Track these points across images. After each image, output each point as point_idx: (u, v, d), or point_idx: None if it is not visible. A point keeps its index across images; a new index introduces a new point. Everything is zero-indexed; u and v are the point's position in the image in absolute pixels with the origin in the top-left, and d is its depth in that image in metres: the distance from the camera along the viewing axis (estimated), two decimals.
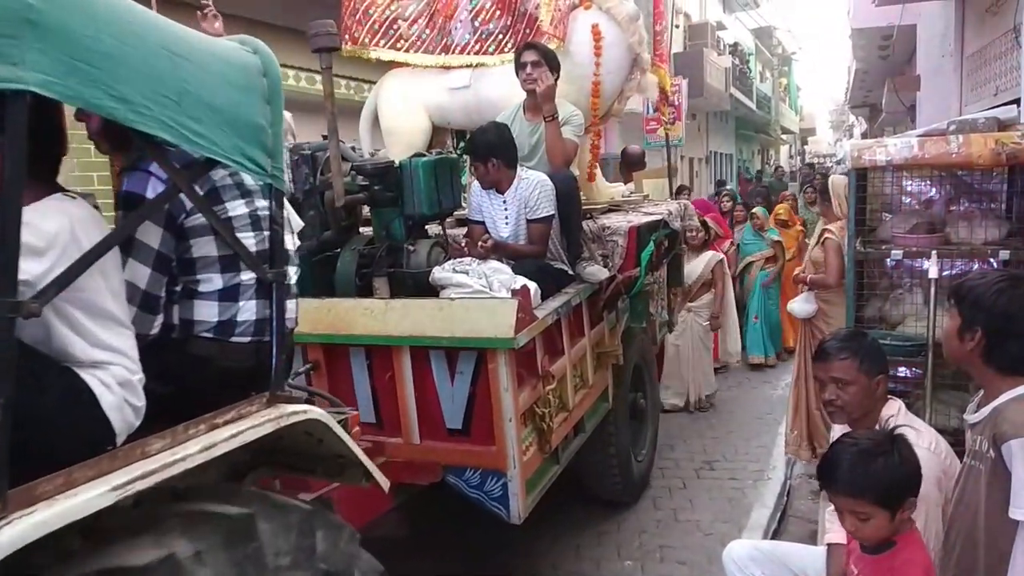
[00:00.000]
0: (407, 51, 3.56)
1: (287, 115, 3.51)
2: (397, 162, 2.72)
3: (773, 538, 3.03)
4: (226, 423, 1.21)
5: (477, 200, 2.90)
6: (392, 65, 3.66)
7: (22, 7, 0.87)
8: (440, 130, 3.73)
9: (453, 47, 3.50)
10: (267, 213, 1.36)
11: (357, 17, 3.51)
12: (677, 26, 14.04)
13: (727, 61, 16.94)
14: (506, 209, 2.81)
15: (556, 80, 2.93)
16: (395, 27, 3.54)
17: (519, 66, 2.97)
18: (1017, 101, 4.65)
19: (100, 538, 0.98)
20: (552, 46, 3.11)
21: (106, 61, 1.00)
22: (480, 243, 2.67)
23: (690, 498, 3.57)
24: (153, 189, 1.24)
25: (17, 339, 0.90)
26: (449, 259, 2.64)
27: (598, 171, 3.73)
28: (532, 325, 2.31)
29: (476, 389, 2.28)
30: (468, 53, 3.47)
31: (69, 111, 1.23)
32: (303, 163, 2.70)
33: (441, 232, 3.00)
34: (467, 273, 2.47)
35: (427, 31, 3.53)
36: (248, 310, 1.36)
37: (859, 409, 1.82)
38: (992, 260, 2.41)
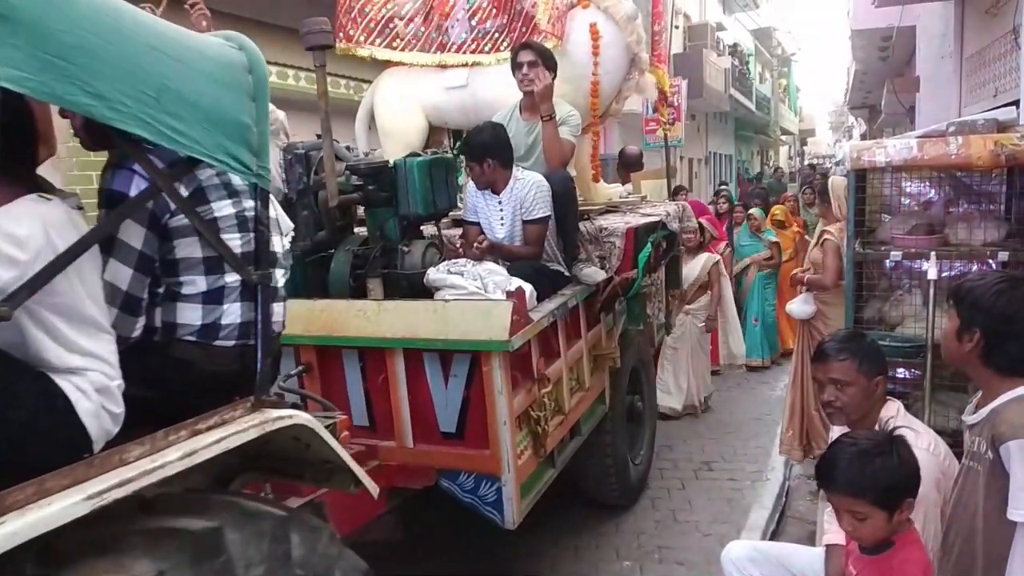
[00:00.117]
0: (403, 50, 3.53)
1: (281, 114, 3.50)
2: (392, 162, 2.69)
3: (771, 539, 3.04)
4: (208, 429, 1.18)
5: (473, 201, 2.88)
6: (389, 64, 3.63)
7: None
8: (437, 130, 3.71)
9: (450, 46, 3.47)
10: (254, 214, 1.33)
11: (352, 15, 3.47)
12: (677, 27, 14.03)
13: (726, 62, 16.93)
14: (502, 210, 2.78)
15: (553, 79, 2.90)
16: (391, 26, 3.51)
17: (515, 66, 2.94)
18: (1016, 103, 4.63)
19: (57, 560, 0.94)
20: (550, 45, 3.09)
21: (82, 56, 0.97)
22: (475, 244, 2.64)
23: (689, 499, 3.57)
24: (137, 188, 1.20)
25: None
26: (444, 260, 2.61)
27: (590, 172, 3.69)
28: (527, 327, 2.28)
29: (470, 392, 2.25)
30: (465, 52, 3.45)
31: (56, 110, 1.20)
32: (297, 163, 2.67)
33: (436, 233, 2.97)
34: (462, 274, 2.44)
35: (423, 30, 3.50)
36: (232, 313, 1.32)
37: (858, 410, 1.82)
38: (991, 261, 2.41)
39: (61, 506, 0.93)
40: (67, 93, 0.94)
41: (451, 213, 3.09)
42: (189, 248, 1.27)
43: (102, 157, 1.34)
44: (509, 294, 2.30)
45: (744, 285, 5.92)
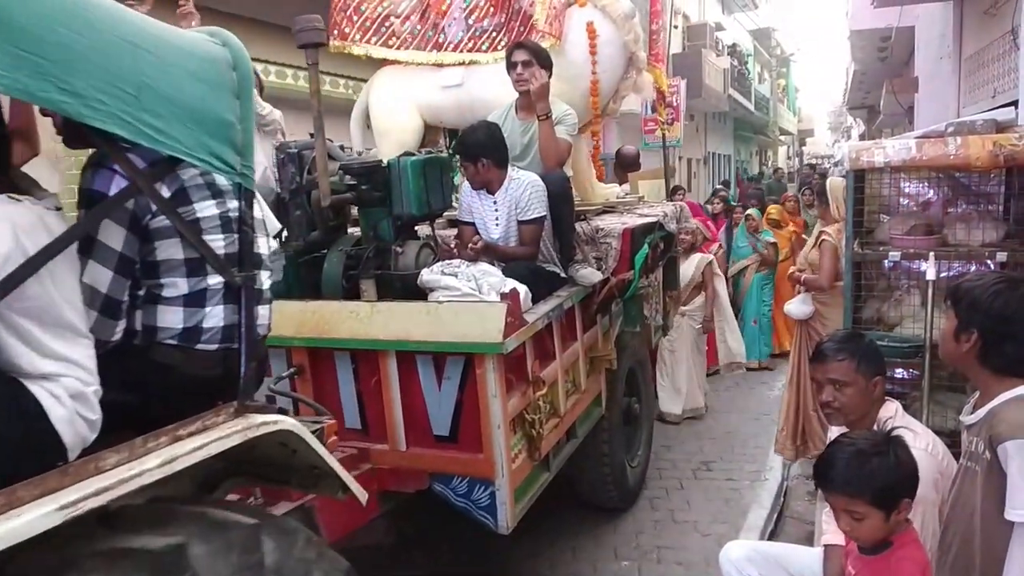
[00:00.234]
0: (399, 48, 3.50)
1: (277, 113, 3.48)
2: (385, 161, 2.66)
3: (770, 539, 3.05)
4: (190, 435, 1.15)
5: (467, 201, 2.85)
6: (385, 62, 3.60)
7: None
8: (432, 129, 3.68)
9: (446, 44, 3.44)
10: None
11: (348, 13, 3.44)
12: (676, 27, 14.01)
13: (725, 62, 16.92)
14: (497, 210, 2.75)
15: (549, 78, 2.87)
16: (387, 24, 3.48)
17: (510, 66, 2.91)
18: (1015, 103, 4.62)
19: None
20: (547, 44, 3.06)
21: (57, 52, 0.94)
22: (470, 245, 2.61)
23: (687, 499, 3.58)
24: (117, 187, 1.17)
25: None
26: (438, 261, 2.58)
27: (593, 172, 3.67)
28: (522, 330, 2.25)
29: (464, 395, 2.22)
30: (461, 51, 3.42)
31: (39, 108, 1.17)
32: (289, 162, 2.64)
33: (431, 233, 2.94)
34: (456, 275, 2.41)
35: (420, 28, 3.47)
36: (215, 316, 1.29)
37: (856, 410, 1.83)
38: (989, 262, 2.41)
39: (31, 517, 0.90)
40: (39, 90, 0.90)
41: (446, 213, 3.06)
42: (170, 249, 1.24)
43: None
44: (503, 296, 2.28)
45: (742, 287, 5.90)
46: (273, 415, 1.29)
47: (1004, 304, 1.48)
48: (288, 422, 1.30)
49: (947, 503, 1.62)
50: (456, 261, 2.53)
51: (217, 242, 1.28)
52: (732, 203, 6.93)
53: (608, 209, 3.63)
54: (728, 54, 17.78)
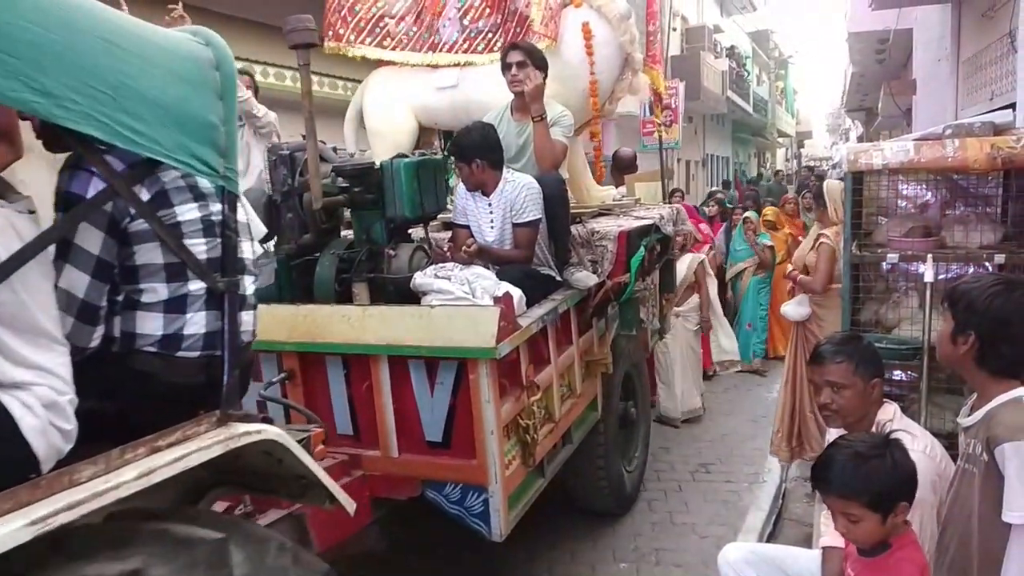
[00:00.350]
0: (394, 49, 3.47)
1: (272, 116, 3.45)
2: (378, 163, 2.63)
3: (768, 541, 3.04)
4: (169, 445, 1.12)
5: (462, 203, 2.82)
6: (379, 64, 3.57)
7: None
8: (427, 131, 3.65)
9: (441, 45, 3.42)
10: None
11: (342, 14, 3.42)
12: (674, 29, 14.03)
13: (724, 64, 16.94)
14: (491, 212, 2.72)
15: (544, 79, 2.85)
16: (382, 24, 3.46)
17: (505, 66, 2.89)
18: (1013, 105, 4.62)
19: None
20: (543, 45, 3.03)
21: (27, 50, 0.90)
22: (463, 248, 2.58)
23: (685, 501, 3.57)
24: (95, 190, 1.13)
25: None
26: (431, 264, 2.55)
27: (589, 174, 3.64)
28: (515, 334, 2.22)
29: (457, 400, 2.19)
30: (456, 52, 3.39)
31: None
32: (281, 164, 2.62)
33: (425, 236, 2.91)
34: (449, 279, 2.39)
35: (414, 29, 3.45)
36: (196, 323, 1.25)
37: (854, 413, 1.83)
38: (987, 264, 2.41)
39: (1, 532, 0.87)
40: (8, 89, 0.87)
41: (440, 216, 3.03)
42: (150, 254, 1.20)
43: None
44: (496, 299, 2.25)
45: (739, 290, 5.88)
46: (257, 425, 1.25)
47: (1001, 306, 1.48)
48: (272, 432, 1.26)
49: (945, 505, 1.62)
50: (449, 264, 2.50)
51: (199, 246, 1.24)
52: (729, 205, 6.91)
53: (604, 211, 3.60)
54: (726, 56, 17.80)
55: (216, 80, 1.22)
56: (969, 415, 1.57)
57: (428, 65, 3.44)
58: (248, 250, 1.39)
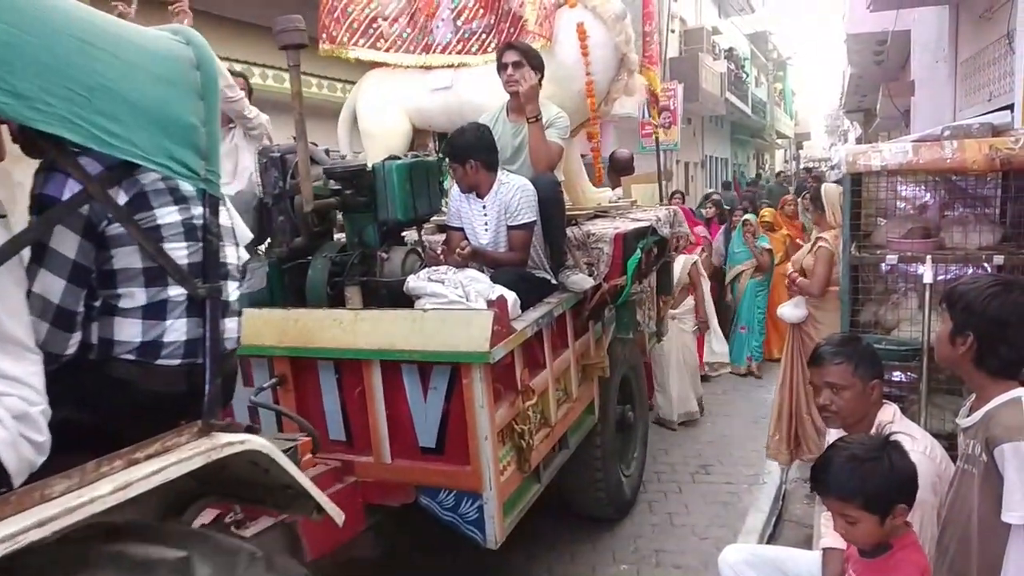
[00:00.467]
0: (388, 50, 3.45)
1: (264, 117, 3.42)
2: (370, 165, 2.60)
3: (768, 542, 3.04)
4: (148, 457, 1.08)
5: (456, 205, 2.79)
6: (373, 65, 3.54)
7: None
8: (421, 132, 3.62)
9: (435, 47, 3.39)
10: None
11: (335, 16, 3.39)
12: (672, 31, 14.03)
13: (722, 66, 16.95)
14: (485, 214, 2.69)
15: (540, 80, 2.82)
16: (375, 26, 3.43)
17: (500, 67, 2.86)
18: (1011, 107, 4.62)
19: None
20: (538, 46, 3.01)
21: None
22: (457, 250, 2.55)
23: (685, 502, 3.57)
24: (70, 192, 1.10)
25: None
26: (425, 267, 2.52)
27: (585, 175, 3.62)
28: (510, 338, 2.19)
29: (450, 406, 2.16)
30: (450, 53, 3.37)
31: None
32: (272, 166, 2.58)
33: (418, 239, 2.88)
34: (443, 282, 2.35)
35: (408, 30, 3.42)
36: (177, 329, 1.22)
37: (854, 414, 1.83)
38: (986, 265, 2.41)
39: None
40: None
41: (435, 218, 3.00)
42: (128, 258, 1.17)
43: None
44: (490, 303, 2.22)
45: (737, 292, 5.86)
46: (240, 435, 1.22)
47: (999, 307, 1.49)
48: (256, 442, 1.23)
49: (944, 506, 1.62)
50: (443, 267, 2.47)
51: (179, 251, 1.21)
52: (727, 207, 6.89)
53: (600, 213, 3.57)
54: (725, 58, 17.81)
55: (197, 80, 1.19)
56: (968, 416, 1.58)
57: (422, 67, 3.41)
58: (232, 255, 1.35)
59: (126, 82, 1.06)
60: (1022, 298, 1.50)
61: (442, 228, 3.04)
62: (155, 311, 1.19)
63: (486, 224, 2.70)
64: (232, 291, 1.33)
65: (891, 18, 8.87)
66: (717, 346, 5.38)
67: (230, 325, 1.32)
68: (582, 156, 3.74)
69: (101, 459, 1.02)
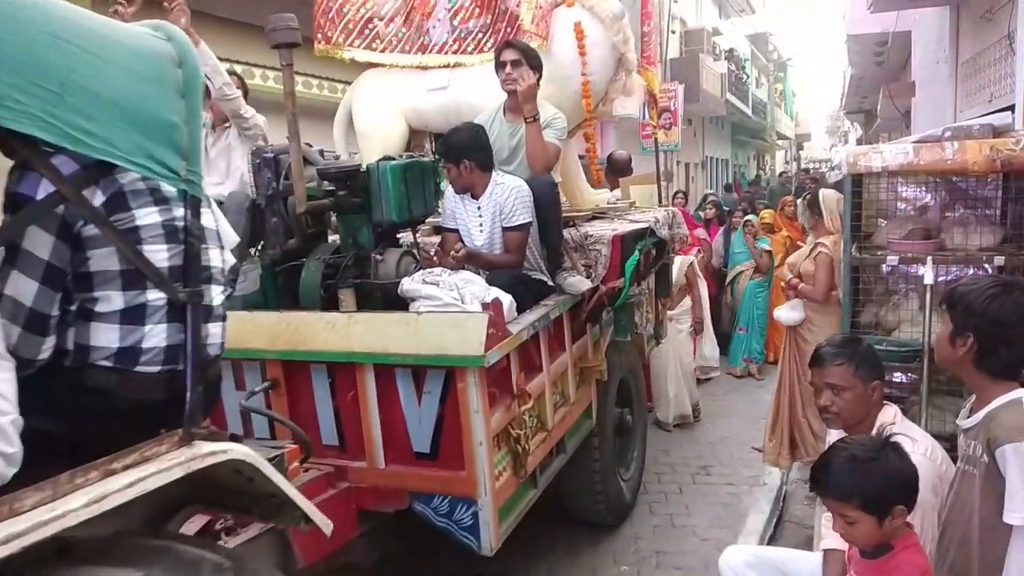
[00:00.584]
0: (384, 51, 3.41)
1: (260, 118, 3.39)
2: (364, 165, 2.56)
3: (769, 543, 3.04)
4: (125, 468, 1.04)
5: (451, 206, 2.75)
6: (369, 65, 3.51)
7: None
8: (417, 133, 3.59)
9: (431, 47, 3.36)
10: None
11: (330, 16, 3.36)
12: (673, 32, 14.01)
13: (723, 67, 16.93)
14: (480, 216, 2.66)
15: (538, 80, 2.79)
16: (371, 26, 3.40)
17: (498, 65, 2.82)
18: (1012, 108, 4.60)
19: None
20: (534, 45, 2.97)
21: None
22: (452, 252, 2.51)
23: (686, 503, 3.57)
24: (45, 191, 1.06)
25: None
26: (420, 269, 2.49)
27: (582, 176, 3.58)
28: (505, 341, 2.16)
29: (445, 410, 2.13)
30: (446, 53, 3.33)
31: None
32: (265, 167, 2.55)
33: (413, 240, 2.84)
34: (438, 284, 2.32)
35: (404, 30, 3.39)
36: (157, 335, 1.17)
37: (855, 415, 1.84)
38: (987, 266, 2.41)
39: None
40: None
41: (430, 220, 2.97)
42: (105, 260, 1.12)
43: None
44: (485, 306, 2.18)
45: (737, 293, 5.83)
46: (222, 444, 1.18)
47: (999, 308, 1.48)
48: (239, 451, 1.19)
49: (945, 507, 1.63)
50: (438, 269, 2.44)
51: (159, 253, 1.17)
52: (727, 208, 6.87)
53: (598, 215, 3.54)
54: (725, 59, 17.79)
55: (178, 77, 1.15)
56: (968, 417, 1.57)
57: (418, 67, 3.38)
58: (217, 258, 1.31)
59: (102, 79, 1.02)
60: (1022, 299, 1.50)
61: (438, 230, 3.00)
62: (133, 316, 1.15)
63: (481, 225, 2.66)
64: (216, 295, 1.29)
65: (892, 19, 8.84)
66: (708, 351, 5.35)
67: (214, 330, 1.28)
68: (580, 157, 3.71)
69: (75, 470, 0.99)
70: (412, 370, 2.13)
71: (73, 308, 1.13)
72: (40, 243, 1.06)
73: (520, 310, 2.43)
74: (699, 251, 5.58)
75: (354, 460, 2.25)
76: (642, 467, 3.66)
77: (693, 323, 4.72)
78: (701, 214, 6.67)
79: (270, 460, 1.30)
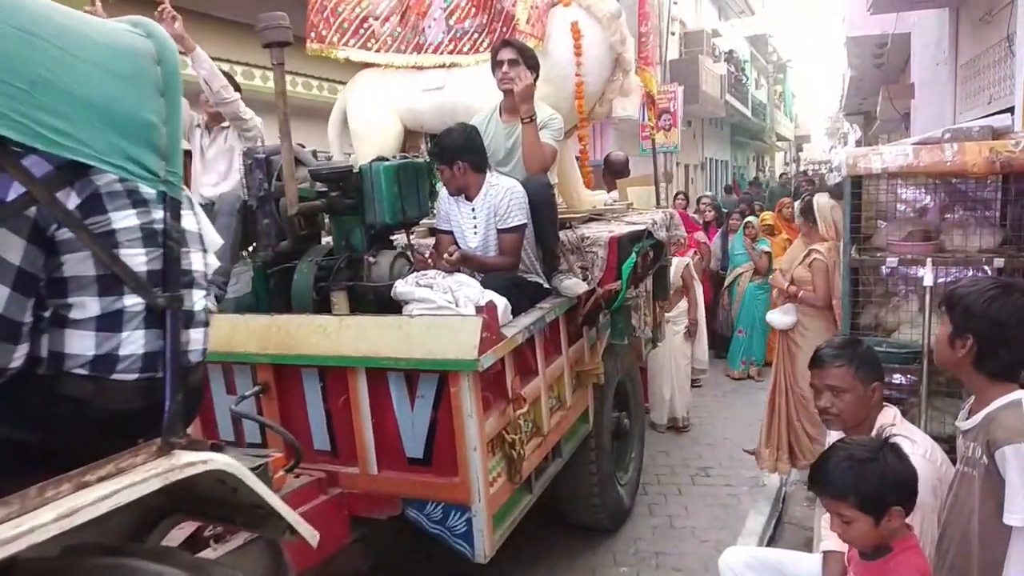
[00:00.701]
0: (379, 51, 3.38)
1: (258, 120, 3.35)
2: (357, 166, 2.53)
3: (768, 545, 3.04)
4: (100, 480, 1.00)
5: (445, 208, 2.72)
6: (364, 65, 3.48)
7: None
8: (413, 134, 3.56)
9: (426, 46, 3.33)
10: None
11: (325, 15, 3.33)
12: (672, 33, 14.00)
13: (722, 68, 16.93)
14: (475, 217, 2.62)
15: (535, 80, 2.75)
16: (366, 26, 3.37)
17: (495, 64, 2.79)
18: (1011, 110, 4.59)
19: None
20: (530, 45, 2.94)
21: None
22: (446, 255, 2.48)
23: (685, 504, 3.56)
24: (15, 193, 1.02)
25: None
26: (414, 271, 2.45)
27: (579, 178, 3.55)
28: (499, 345, 2.12)
29: (438, 415, 2.09)
30: (442, 53, 3.31)
31: None
32: (257, 168, 2.51)
33: (407, 242, 2.80)
34: (431, 287, 2.28)
35: (399, 30, 3.36)
36: (134, 342, 1.13)
37: (854, 416, 1.84)
38: (987, 267, 2.41)
39: None
40: None
41: (425, 221, 2.93)
42: (80, 265, 1.08)
43: None
44: (480, 309, 2.14)
45: (736, 295, 5.80)
46: (203, 453, 1.14)
47: (998, 310, 1.48)
48: (221, 461, 1.15)
49: (944, 508, 1.63)
50: (432, 272, 2.40)
51: (137, 257, 1.13)
52: (725, 210, 6.85)
53: (595, 217, 3.50)
54: (725, 60, 17.78)
55: (157, 75, 1.11)
56: (967, 418, 1.57)
57: (413, 67, 3.35)
58: (199, 262, 1.27)
59: (75, 76, 0.99)
60: (1022, 301, 1.50)
61: (433, 231, 2.97)
62: (110, 322, 1.11)
63: (475, 227, 2.63)
64: (198, 300, 1.25)
65: (891, 21, 8.83)
66: (700, 353, 5.32)
67: (195, 336, 1.24)
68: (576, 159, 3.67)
69: (46, 483, 0.95)
70: (405, 374, 2.09)
71: (47, 314, 1.09)
72: (11, 247, 1.02)
73: (515, 313, 2.40)
74: (696, 254, 5.55)
75: (346, 466, 2.21)
76: (640, 471, 3.63)
77: (688, 325, 4.69)
78: (696, 218, 6.64)
79: (253, 470, 1.26)
